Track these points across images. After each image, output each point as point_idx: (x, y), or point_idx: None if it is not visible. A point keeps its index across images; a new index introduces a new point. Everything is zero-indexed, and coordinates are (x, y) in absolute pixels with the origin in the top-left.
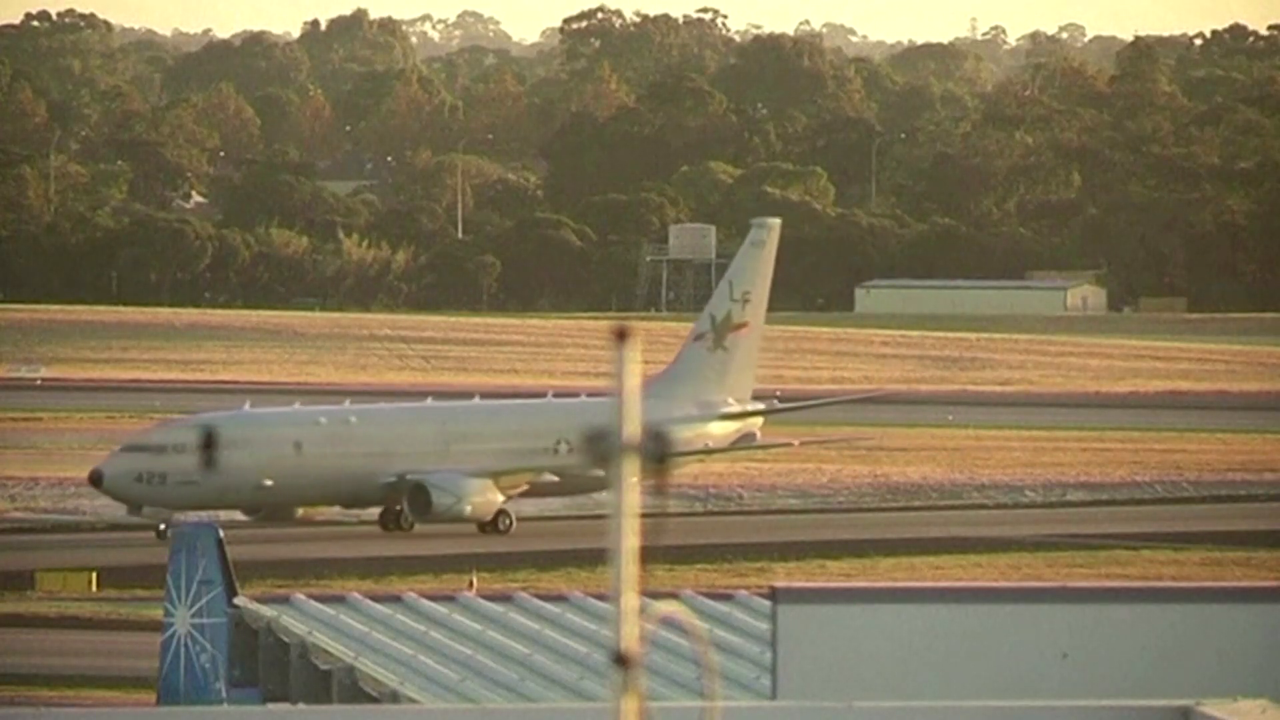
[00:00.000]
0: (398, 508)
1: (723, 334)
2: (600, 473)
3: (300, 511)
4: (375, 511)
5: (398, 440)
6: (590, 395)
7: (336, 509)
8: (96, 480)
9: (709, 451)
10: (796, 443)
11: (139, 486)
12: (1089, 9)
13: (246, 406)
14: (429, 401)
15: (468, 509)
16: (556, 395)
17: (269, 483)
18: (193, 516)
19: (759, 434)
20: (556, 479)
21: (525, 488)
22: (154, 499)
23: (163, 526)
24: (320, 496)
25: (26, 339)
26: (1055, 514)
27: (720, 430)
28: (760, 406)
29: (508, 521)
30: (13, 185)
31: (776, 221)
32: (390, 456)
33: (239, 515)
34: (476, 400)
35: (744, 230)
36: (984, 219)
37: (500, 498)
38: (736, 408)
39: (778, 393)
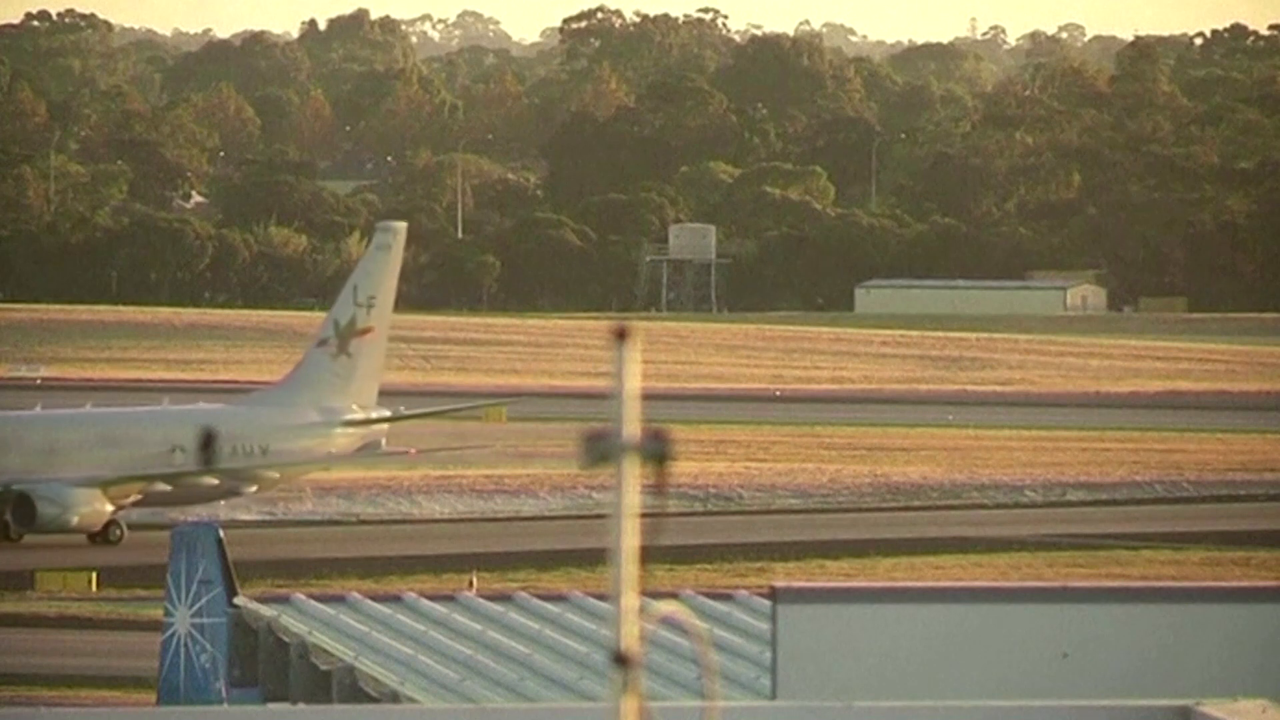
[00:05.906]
0: (4, 518)
1: (346, 339)
2: (214, 481)
3: None
4: None
5: (2, 449)
6: (206, 403)
7: None
8: None
9: (331, 460)
10: (413, 451)
11: None
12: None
13: None
14: (37, 409)
15: (74, 519)
16: (172, 402)
17: None
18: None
19: (384, 442)
20: (170, 488)
21: (138, 497)
22: None
23: None
24: None
25: (26, 339)
26: (1055, 514)
27: (344, 438)
28: (386, 413)
29: (118, 532)
30: (13, 185)
31: (402, 225)
32: None
33: (239, 515)
34: (88, 408)
35: (744, 230)
36: (984, 219)
37: (109, 507)
38: (360, 415)
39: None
